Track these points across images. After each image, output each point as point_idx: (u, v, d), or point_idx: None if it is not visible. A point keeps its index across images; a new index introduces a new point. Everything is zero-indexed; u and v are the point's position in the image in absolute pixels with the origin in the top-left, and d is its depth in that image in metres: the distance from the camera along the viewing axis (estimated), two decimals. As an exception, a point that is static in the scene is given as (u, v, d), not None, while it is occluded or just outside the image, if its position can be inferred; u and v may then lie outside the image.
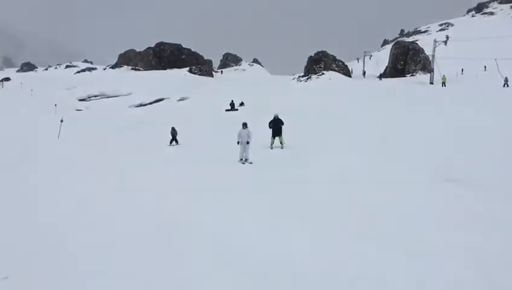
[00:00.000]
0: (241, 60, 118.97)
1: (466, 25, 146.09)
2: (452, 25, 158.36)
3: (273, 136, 22.14)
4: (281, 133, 22.02)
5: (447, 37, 72.96)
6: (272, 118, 22.10)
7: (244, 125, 18.80)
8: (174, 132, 26.13)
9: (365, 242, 7.92)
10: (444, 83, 54.59)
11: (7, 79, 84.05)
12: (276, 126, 21.97)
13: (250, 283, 6.33)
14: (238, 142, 18.73)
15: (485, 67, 70.81)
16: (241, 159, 18.57)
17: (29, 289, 6.16)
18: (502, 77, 49.66)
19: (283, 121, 22.04)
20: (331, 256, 7.25)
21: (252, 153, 18.79)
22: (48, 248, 7.88)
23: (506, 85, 47.31)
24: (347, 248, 7.64)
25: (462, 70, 72.04)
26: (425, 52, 74.45)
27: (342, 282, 6.34)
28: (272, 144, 22.07)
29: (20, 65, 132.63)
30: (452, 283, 6.26)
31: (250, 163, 18.07)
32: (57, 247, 7.94)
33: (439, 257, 7.20)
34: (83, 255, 7.51)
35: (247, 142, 18.47)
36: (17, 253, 7.58)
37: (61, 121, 30.39)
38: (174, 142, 25.94)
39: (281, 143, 21.99)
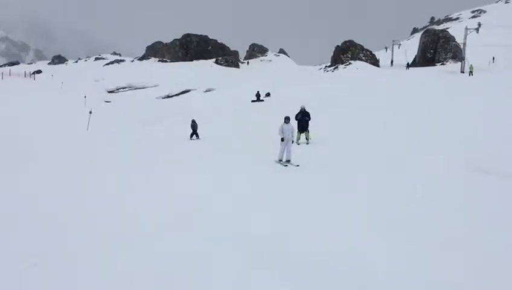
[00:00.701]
0: (268, 51, 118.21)
1: (499, 12, 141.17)
2: (484, 12, 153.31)
3: (300, 131, 20.43)
4: (307, 127, 20.40)
5: (479, 25, 70.97)
6: (299, 111, 20.50)
7: (287, 119, 15.95)
8: (194, 125, 24.44)
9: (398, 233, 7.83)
10: (471, 72, 53.31)
11: (39, 71, 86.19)
12: (302, 120, 20.31)
13: None
14: (282, 139, 15.70)
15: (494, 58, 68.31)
16: (281, 160, 15.68)
17: (58, 276, 6.27)
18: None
19: (310, 114, 20.41)
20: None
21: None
22: (76, 234, 8.04)
23: None
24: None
25: (494, 58, 69.83)
26: (456, 40, 72.52)
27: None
28: (298, 139, 20.07)
29: (51, 58, 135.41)
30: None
31: (297, 166, 15.02)
32: (84, 234, 8.09)
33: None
34: (110, 241, 7.63)
35: (291, 141, 15.86)
36: (46, 241, 7.74)
37: (90, 112, 30.97)
38: (194, 136, 24.26)
39: (306, 139, 20.36)
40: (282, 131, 15.75)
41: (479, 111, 24.90)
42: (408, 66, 70.56)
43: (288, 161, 15.47)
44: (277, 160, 15.73)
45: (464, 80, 46.86)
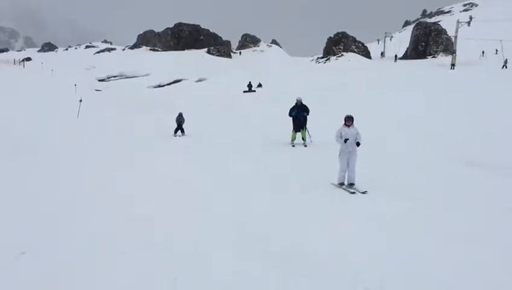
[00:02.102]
0: (260, 41, 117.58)
1: (491, 5, 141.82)
2: (476, 5, 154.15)
3: (295, 129, 17.27)
4: (306, 124, 17.23)
5: (471, 18, 71.07)
6: (294, 104, 17.26)
7: (349, 119, 10.53)
8: (180, 120, 21.95)
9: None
10: (453, 65, 53.91)
11: (28, 59, 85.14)
12: (299, 115, 17.00)
13: None
14: (340, 154, 10.67)
15: (496, 50, 69.01)
16: (342, 184, 10.61)
17: (46, 264, 6.28)
18: (503, 58, 51.57)
19: (308, 108, 17.19)
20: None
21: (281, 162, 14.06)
22: (65, 222, 8.05)
23: (505, 67, 47.80)
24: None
25: (483, 52, 70.26)
26: (448, 33, 72.81)
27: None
28: (293, 140, 17.39)
29: (41, 45, 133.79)
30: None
31: (364, 192, 10.03)
32: (74, 221, 8.10)
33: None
34: (100, 231, 7.64)
35: (355, 154, 10.63)
36: (33, 229, 7.74)
37: (80, 100, 30.69)
38: (179, 132, 21.89)
39: (303, 139, 17.21)
40: (341, 136, 10.61)
41: (464, 105, 25.11)
42: (396, 58, 71.19)
43: (351, 185, 10.45)
44: (336, 183, 10.74)
45: (450, 74, 46.98)
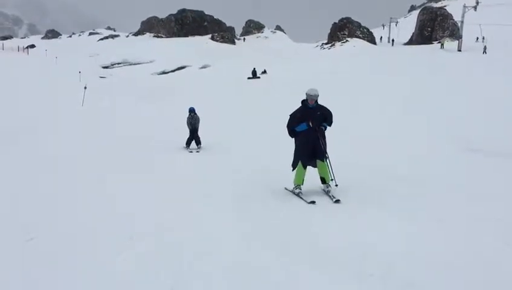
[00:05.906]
0: (264, 27, 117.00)
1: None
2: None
3: (305, 162, 8.03)
4: (325, 150, 7.98)
5: (477, 2, 70.05)
6: (300, 106, 8.00)
7: None
8: (194, 123, 15.59)
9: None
10: (442, 45, 60.59)
11: (32, 46, 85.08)
12: (310, 132, 7.82)
13: None
14: None
15: (477, 38, 69.54)
16: None
17: (54, 250, 6.32)
18: (483, 44, 56.68)
19: (331, 112, 8.09)
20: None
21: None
22: (71, 209, 8.10)
23: (484, 52, 52.45)
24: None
25: (484, 38, 69.45)
26: (454, 18, 72.04)
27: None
28: (298, 182, 8.02)
29: (44, 32, 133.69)
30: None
31: None
32: (79, 209, 8.15)
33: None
34: (104, 219, 7.68)
35: None
36: (42, 215, 7.78)
37: (85, 88, 30.74)
38: (194, 144, 15.52)
39: (324, 182, 7.99)
40: None
41: (459, 90, 25.01)
42: (393, 43, 74.60)
43: None
44: None
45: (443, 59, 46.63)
